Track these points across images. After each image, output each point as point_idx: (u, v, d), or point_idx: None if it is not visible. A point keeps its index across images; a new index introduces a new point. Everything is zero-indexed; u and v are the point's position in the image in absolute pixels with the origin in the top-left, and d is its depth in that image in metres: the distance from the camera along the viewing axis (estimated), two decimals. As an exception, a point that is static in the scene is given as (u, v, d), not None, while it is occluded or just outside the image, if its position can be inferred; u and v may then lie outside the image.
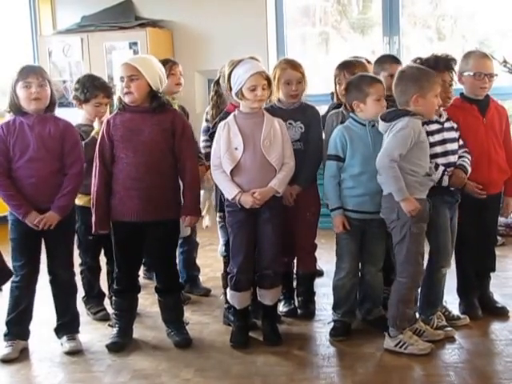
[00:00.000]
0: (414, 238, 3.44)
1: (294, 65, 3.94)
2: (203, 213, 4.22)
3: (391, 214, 3.46)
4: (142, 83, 3.56)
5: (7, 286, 3.59)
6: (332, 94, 4.42)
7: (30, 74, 3.53)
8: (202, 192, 4.21)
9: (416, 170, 3.43)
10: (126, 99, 3.57)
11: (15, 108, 3.58)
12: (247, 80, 3.51)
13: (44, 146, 3.55)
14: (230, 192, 3.57)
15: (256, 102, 3.55)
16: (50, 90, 3.60)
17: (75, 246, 4.19)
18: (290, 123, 3.89)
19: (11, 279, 3.48)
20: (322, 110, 4.18)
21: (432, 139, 3.60)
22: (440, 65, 3.60)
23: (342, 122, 3.78)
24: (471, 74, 3.82)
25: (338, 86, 4.05)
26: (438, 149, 3.62)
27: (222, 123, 3.64)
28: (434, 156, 3.58)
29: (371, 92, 3.55)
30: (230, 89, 3.62)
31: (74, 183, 3.62)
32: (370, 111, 3.57)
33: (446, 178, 3.59)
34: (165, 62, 4.48)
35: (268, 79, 3.56)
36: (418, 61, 3.65)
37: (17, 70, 3.57)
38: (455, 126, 3.72)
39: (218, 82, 4.21)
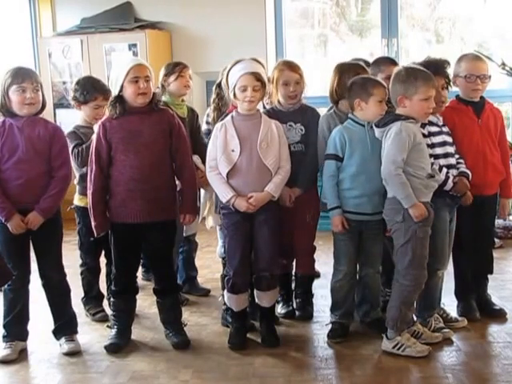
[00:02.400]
0: (420, 241, 3.44)
1: (291, 66, 3.95)
2: (205, 213, 4.23)
3: (396, 216, 3.46)
4: (151, 85, 3.59)
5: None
6: None
7: (26, 78, 3.52)
8: (203, 192, 4.22)
9: (418, 173, 3.43)
10: (141, 100, 3.56)
11: (5, 110, 3.56)
12: (238, 80, 3.52)
13: (33, 148, 3.54)
14: (224, 195, 3.58)
15: (246, 103, 3.54)
16: (42, 94, 3.61)
17: (74, 247, 4.22)
18: (290, 125, 3.90)
19: None
20: (321, 111, 4.18)
21: (434, 140, 3.63)
22: (430, 69, 3.58)
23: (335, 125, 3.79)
24: (463, 76, 3.84)
25: None
26: (439, 150, 3.64)
27: (219, 124, 3.64)
28: (435, 157, 3.60)
29: (375, 93, 3.57)
30: (228, 88, 3.63)
31: (61, 186, 3.61)
32: (370, 111, 3.58)
33: (450, 182, 3.61)
34: (176, 64, 4.54)
35: (261, 81, 3.54)
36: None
37: (9, 73, 3.54)
38: (449, 131, 3.74)
39: (219, 85, 4.21)
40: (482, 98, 3.95)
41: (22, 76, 3.53)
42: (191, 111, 4.47)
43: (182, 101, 4.47)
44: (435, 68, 3.64)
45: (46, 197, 3.55)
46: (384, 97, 3.58)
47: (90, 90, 4.08)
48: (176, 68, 4.46)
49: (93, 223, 3.63)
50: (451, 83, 3.78)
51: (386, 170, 3.42)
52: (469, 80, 3.85)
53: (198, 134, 4.35)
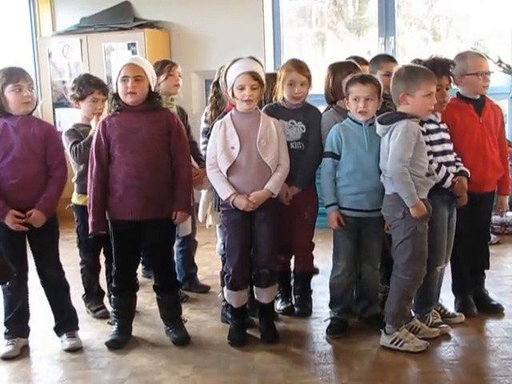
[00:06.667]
0: (420, 237, 3.47)
1: (299, 67, 3.94)
2: (207, 211, 4.25)
3: (396, 213, 3.48)
4: (145, 84, 3.61)
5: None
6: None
7: (20, 77, 3.53)
8: (204, 192, 4.23)
9: (418, 172, 3.45)
10: (129, 99, 3.59)
11: (0, 110, 3.56)
12: (236, 79, 3.54)
13: (28, 147, 3.55)
14: (224, 193, 3.59)
15: (244, 102, 3.56)
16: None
17: (75, 245, 4.24)
18: (291, 123, 3.91)
19: None
20: (319, 109, 4.20)
21: (432, 137, 3.64)
22: (437, 69, 3.60)
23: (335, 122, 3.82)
24: (474, 73, 3.83)
25: None
26: (438, 147, 3.65)
27: (218, 122, 3.66)
28: (434, 154, 3.62)
29: (351, 91, 3.60)
30: (227, 87, 3.65)
31: (59, 186, 3.63)
32: (351, 109, 3.64)
33: (448, 180, 3.62)
34: (164, 63, 4.52)
35: (259, 79, 3.56)
36: (417, 62, 3.66)
37: (1, 73, 3.53)
38: (447, 128, 3.76)
39: (217, 83, 4.23)
40: (482, 95, 3.96)
41: (16, 75, 3.53)
42: (181, 111, 4.48)
43: (172, 100, 4.48)
44: (442, 68, 3.65)
45: (46, 196, 3.56)
46: (361, 94, 3.57)
47: (85, 84, 4.11)
48: (165, 67, 4.46)
49: (90, 220, 3.64)
50: (452, 83, 3.78)
51: (393, 168, 3.43)
52: (480, 77, 3.86)
53: (188, 133, 4.33)
